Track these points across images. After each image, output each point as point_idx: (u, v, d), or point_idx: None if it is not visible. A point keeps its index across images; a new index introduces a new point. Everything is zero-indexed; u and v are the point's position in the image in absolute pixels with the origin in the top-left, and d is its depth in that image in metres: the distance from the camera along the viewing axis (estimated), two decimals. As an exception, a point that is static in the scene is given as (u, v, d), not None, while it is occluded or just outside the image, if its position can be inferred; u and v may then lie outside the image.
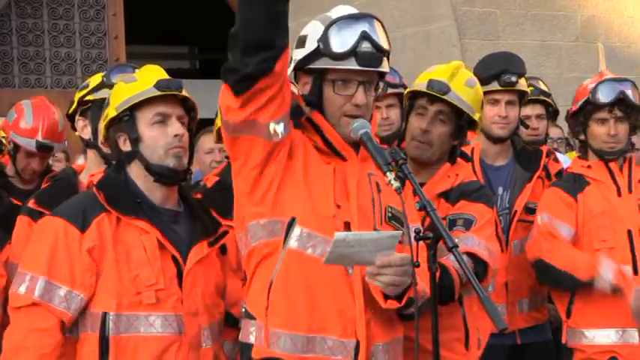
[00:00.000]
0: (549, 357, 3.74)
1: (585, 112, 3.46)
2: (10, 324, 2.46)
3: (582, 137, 3.52)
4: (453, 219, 2.84)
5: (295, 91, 2.64)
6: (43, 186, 3.24)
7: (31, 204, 3.10)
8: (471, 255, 2.75)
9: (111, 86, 2.91)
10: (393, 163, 2.26)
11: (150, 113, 2.51)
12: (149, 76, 2.57)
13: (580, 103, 3.48)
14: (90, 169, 3.06)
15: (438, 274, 2.30)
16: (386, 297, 2.29)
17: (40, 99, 4.11)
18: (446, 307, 2.69)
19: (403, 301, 2.28)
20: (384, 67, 2.40)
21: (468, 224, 2.83)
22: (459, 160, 3.05)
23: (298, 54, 2.41)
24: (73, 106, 3.14)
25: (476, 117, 2.99)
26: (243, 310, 2.46)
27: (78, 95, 3.12)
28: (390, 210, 2.45)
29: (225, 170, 3.43)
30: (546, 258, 3.35)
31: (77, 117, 3.12)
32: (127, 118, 2.50)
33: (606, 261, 3.27)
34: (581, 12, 7.20)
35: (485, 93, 3.59)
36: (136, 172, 2.53)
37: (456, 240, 2.56)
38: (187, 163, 2.59)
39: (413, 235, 2.24)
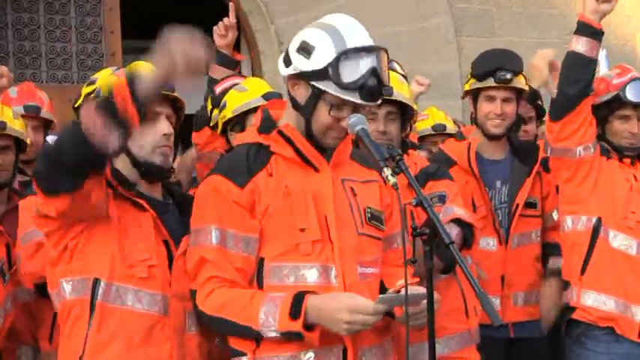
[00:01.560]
0: (544, 353, 3.76)
1: (609, 108, 3.47)
2: None
3: (598, 132, 3.52)
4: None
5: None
6: None
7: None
8: (457, 221, 2.97)
9: None
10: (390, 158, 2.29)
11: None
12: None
13: (605, 97, 3.48)
14: None
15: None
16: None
17: (26, 84, 4.17)
18: (444, 279, 2.85)
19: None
20: (380, 99, 2.47)
21: (442, 199, 3.05)
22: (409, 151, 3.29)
23: (301, 63, 2.41)
24: (80, 100, 3.14)
25: (415, 107, 3.27)
26: (226, 347, 2.49)
27: (85, 90, 3.11)
28: (369, 211, 2.52)
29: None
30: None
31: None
32: None
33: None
34: (577, 9, 7.20)
35: (481, 89, 3.65)
36: (121, 165, 2.57)
37: (440, 213, 2.92)
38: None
39: (406, 232, 2.29)
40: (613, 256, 3.38)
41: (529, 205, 3.67)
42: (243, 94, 3.35)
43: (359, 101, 2.38)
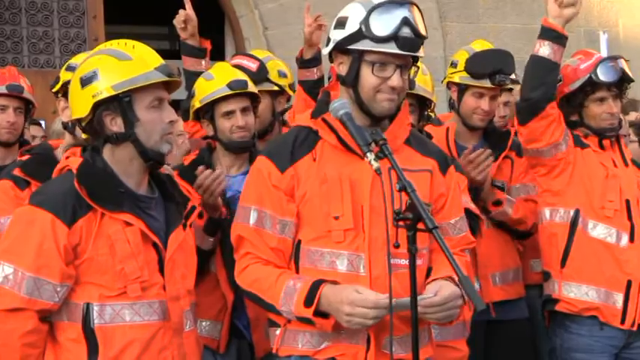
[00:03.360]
0: (525, 334, 3.79)
1: (584, 92, 3.48)
2: None
3: (575, 118, 3.53)
4: None
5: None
6: (20, 159, 3.20)
7: (16, 172, 3.05)
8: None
9: None
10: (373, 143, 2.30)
11: (149, 96, 2.44)
12: (147, 57, 2.48)
13: (578, 83, 3.49)
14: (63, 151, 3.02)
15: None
16: None
17: (9, 68, 4.17)
18: None
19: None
20: (421, 52, 2.48)
21: None
22: None
23: (338, 35, 2.47)
24: (58, 85, 3.09)
25: (433, 99, 3.36)
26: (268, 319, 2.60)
27: (64, 76, 3.05)
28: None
29: (204, 151, 3.43)
30: None
31: (59, 97, 3.08)
32: (127, 99, 2.42)
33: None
34: (561, -4, 7.21)
35: (471, 85, 3.65)
36: (118, 155, 2.47)
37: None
38: None
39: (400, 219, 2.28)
40: (592, 246, 3.40)
41: (495, 187, 3.69)
42: (210, 82, 3.32)
43: (397, 51, 2.40)
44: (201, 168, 3.09)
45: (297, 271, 2.49)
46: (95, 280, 2.40)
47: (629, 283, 3.36)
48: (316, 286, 2.39)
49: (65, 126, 3.05)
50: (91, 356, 2.38)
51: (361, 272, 2.42)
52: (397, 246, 2.25)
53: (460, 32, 6.93)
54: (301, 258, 2.49)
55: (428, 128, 3.83)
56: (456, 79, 3.74)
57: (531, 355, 3.83)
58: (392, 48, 2.40)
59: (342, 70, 2.50)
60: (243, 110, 3.29)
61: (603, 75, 3.44)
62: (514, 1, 7.18)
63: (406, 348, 2.41)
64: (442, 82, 3.92)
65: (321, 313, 2.39)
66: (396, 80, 2.44)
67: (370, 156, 2.25)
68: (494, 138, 3.78)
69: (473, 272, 2.57)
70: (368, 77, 2.44)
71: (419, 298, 2.28)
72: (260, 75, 3.66)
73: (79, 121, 2.50)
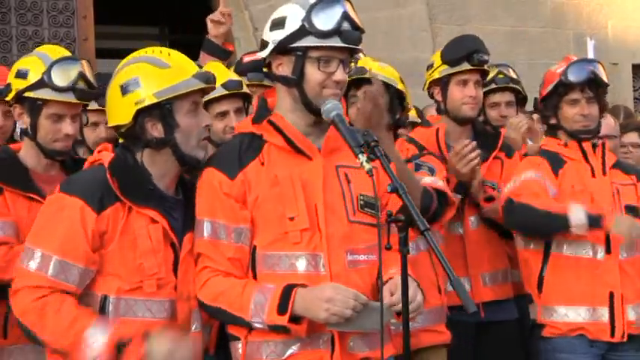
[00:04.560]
0: (514, 336, 3.80)
1: (557, 94, 3.51)
2: (18, 295, 2.45)
3: (553, 121, 3.55)
4: (419, 164, 3.26)
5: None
6: None
7: None
8: (436, 190, 3.20)
9: (53, 87, 2.85)
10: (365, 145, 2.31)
11: (187, 102, 2.52)
12: (184, 64, 2.55)
13: (551, 86, 3.53)
14: (27, 153, 3.01)
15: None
16: None
17: None
18: (420, 256, 2.98)
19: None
20: (361, 45, 2.55)
21: (431, 171, 3.23)
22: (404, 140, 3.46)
23: (277, 35, 2.49)
24: (12, 94, 3.00)
25: (400, 87, 3.34)
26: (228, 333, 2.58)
27: (16, 84, 2.98)
28: (362, 198, 2.54)
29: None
30: (524, 201, 3.38)
31: (12, 104, 3.02)
32: (168, 106, 2.48)
33: (575, 204, 3.33)
34: (552, -2, 7.26)
35: (453, 75, 3.66)
36: (157, 159, 2.53)
37: (428, 179, 3.17)
38: None
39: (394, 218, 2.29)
40: (569, 265, 3.40)
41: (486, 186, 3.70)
42: None
43: (341, 44, 2.45)
44: None
45: (255, 278, 2.49)
46: (115, 272, 2.45)
47: (611, 296, 3.36)
48: (288, 291, 2.39)
49: (25, 132, 2.99)
50: None
51: (321, 271, 2.44)
52: (389, 248, 2.25)
53: (450, 34, 6.91)
54: (258, 264, 2.48)
55: (417, 130, 3.84)
56: (436, 74, 3.74)
57: (521, 356, 3.84)
58: (337, 42, 2.46)
59: (283, 71, 2.52)
60: (237, 111, 3.32)
61: (572, 75, 3.49)
62: (504, 3, 7.20)
63: (371, 346, 2.46)
64: (423, 88, 3.91)
65: (293, 319, 2.38)
66: (339, 74, 2.49)
67: (362, 157, 2.26)
68: (483, 138, 3.79)
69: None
70: (314, 73, 2.48)
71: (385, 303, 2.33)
72: None
73: (118, 127, 2.56)
